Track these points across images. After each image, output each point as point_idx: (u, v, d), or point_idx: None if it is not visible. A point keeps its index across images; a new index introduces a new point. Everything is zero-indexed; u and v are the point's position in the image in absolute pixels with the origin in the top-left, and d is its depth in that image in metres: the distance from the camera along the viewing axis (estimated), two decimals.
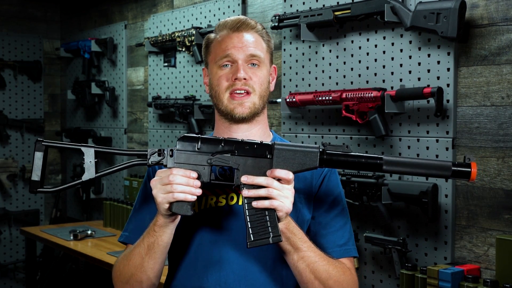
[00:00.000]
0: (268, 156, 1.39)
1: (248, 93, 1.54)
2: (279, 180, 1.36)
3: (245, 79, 1.53)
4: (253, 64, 1.55)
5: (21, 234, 4.42)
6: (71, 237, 3.70)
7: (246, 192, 1.36)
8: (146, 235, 1.47)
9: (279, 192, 1.35)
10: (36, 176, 1.40)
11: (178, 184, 1.36)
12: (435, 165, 1.38)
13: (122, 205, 3.98)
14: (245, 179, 1.37)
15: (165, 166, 1.41)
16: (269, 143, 1.41)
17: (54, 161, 5.34)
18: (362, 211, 2.64)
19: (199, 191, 1.38)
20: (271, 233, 1.36)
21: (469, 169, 1.36)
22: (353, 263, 1.58)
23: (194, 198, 1.37)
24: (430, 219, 2.33)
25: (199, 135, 1.43)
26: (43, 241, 3.99)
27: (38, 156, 1.40)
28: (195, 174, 1.38)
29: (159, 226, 1.44)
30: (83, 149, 1.41)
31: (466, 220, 2.31)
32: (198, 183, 1.38)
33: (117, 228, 4.02)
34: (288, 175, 1.36)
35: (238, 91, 1.53)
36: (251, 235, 1.36)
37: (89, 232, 3.80)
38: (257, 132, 1.59)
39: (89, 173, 1.41)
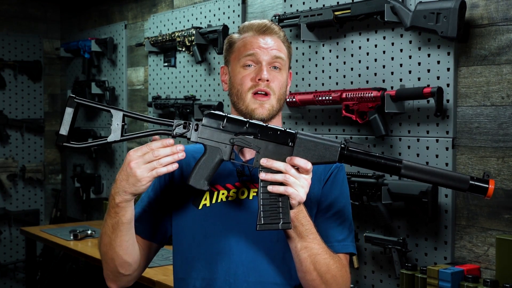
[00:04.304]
0: (290, 144, 1.40)
1: (267, 94, 1.57)
2: (297, 169, 1.37)
3: (267, 80, 1.56)
4: (275, 68, 1.59)
5: (21, 234, 4.42)
6: (71, 237, 3.70)
7: (263, 175, 1.37)
8: (108, 216, 1.48)
9: (295, 180, 1.36)
10: (64, 130, 1.42)
11: (164, 156, 1.37)
12: (453, 176, 1.38)
13: None
14: (264, 161, 1.38)
15: (188, 140, 1.43)
16: (293, 131, 1.41)
17: (54, 161, 5.34)
18: (362, 211, 2.64)
19: (182, 154, 1.38)
20: (281, 219, 1.37)
21: (487, 186, 1.35)
22: (348, 260, 1.60)
23: (176, 166, 1.38)
24: (430, 219, 2.33)
25: (226, 114, 1.44)
26: (43, 241, 3.99)
27: (69, 111, 1.42)
28: (171, 141, 1.38)
29: (121, 207, 1.44)
30: (112, 111, 1.44)
31: (466, 220, 2.31)
32: (182, 147, 1.38)
33: None
34: (307, 165, 1.36)
35: (260, 92, 1.57)
36: (262, 218, 1.37)
37: (89, 232, 3.79)
38: None
39: (115, 135, 1.43)
